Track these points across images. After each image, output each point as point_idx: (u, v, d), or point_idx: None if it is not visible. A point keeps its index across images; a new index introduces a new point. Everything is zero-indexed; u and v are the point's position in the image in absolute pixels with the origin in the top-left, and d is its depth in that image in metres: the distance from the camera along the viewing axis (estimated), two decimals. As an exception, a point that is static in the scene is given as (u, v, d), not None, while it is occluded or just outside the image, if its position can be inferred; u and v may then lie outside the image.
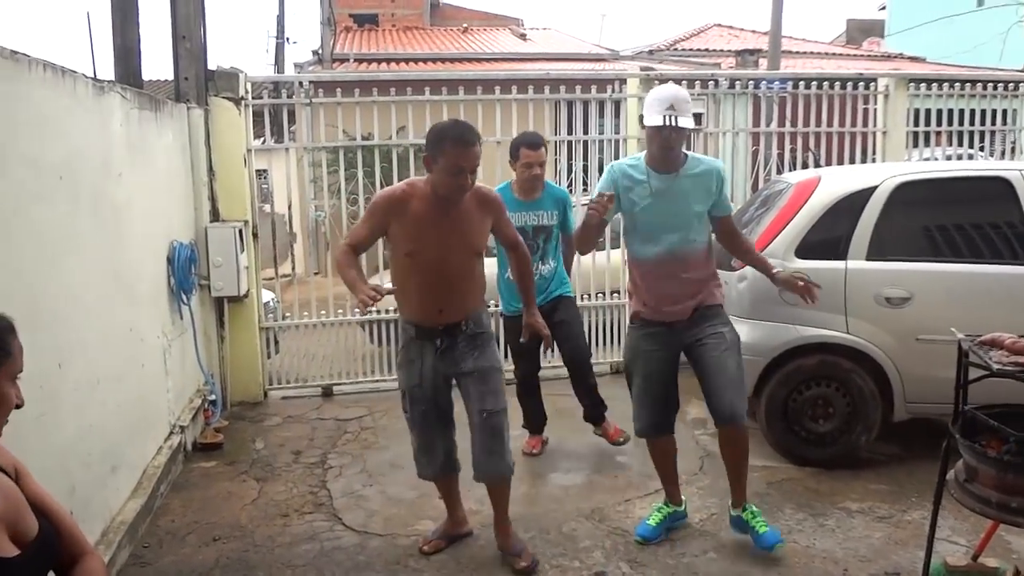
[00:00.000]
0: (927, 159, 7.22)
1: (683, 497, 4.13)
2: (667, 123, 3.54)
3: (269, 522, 4.30)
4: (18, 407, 1.56)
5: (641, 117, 3.68)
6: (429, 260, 3.50)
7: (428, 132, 3.56)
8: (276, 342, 6.85)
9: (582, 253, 4.20)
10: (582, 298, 6.83)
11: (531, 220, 4.83)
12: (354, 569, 3.78)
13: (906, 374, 4.58)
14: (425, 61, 16.69)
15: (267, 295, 7.13)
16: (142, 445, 4.53)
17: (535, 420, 5.28)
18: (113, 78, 5.46)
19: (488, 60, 17.02)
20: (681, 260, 3.74)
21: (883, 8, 27.69)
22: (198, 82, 6.13)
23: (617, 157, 6.87)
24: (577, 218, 4.60)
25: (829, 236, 4.69)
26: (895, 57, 19.58)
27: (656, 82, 6.75)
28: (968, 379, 2.30)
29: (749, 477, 4.51)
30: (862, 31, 28.22)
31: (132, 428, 4.33)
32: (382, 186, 6.66)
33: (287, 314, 7.01)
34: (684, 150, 3.79)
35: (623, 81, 6.89)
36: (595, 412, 5.18)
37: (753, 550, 3.77)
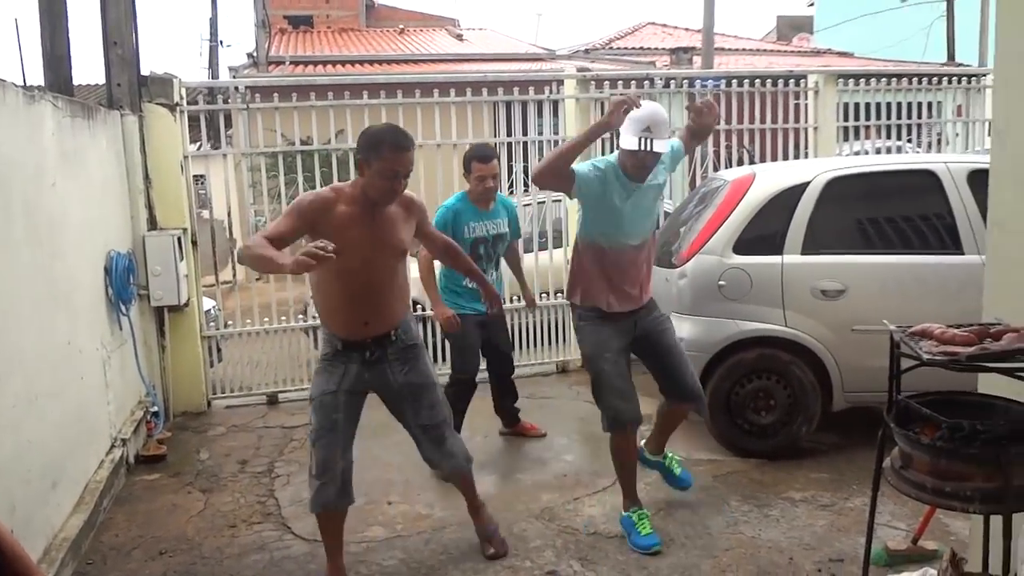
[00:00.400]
0: (857, 153, 7.43)
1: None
2: (642, 147, 3.60)
3: (217, 533, 4.25)
4: None
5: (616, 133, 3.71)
6: (355, 267, 3.35)
7: (361, 136, 3.47)
8: (219, 350, 6.75)
9: (543, 179, 3.83)
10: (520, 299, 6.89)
11: (492, 229, 4.95)
12: (306, 578, 3.75)
13: (843, 364, 4.72)
14: (362, 63, 16.58)
15: (208, 303, 7.01)
16: (83, 459, 4.43)
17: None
18: (43, 85, 5.33)
19: (425, 61, 17.00)
20: (647, 252, 3.99)
21: (811, 4, 28.38)
22: (131, 88, 6.01)
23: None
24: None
25: (765, 232, 4.81)
26: (824, 52, 20.07)
27: (592, 83, 6.84)
28: (900, 369, 2.38)
29: (695, 471, 4.63)
30: (792, 27, 28.88)
31: (72, 442, 4.24)
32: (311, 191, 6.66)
33: (229, 322, 6.92)
34: None
35: (560, 82, 6.95)
36: (515, 412, 5.48)
37: (699, 542, 3.86)
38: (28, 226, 3.84)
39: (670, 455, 4.37)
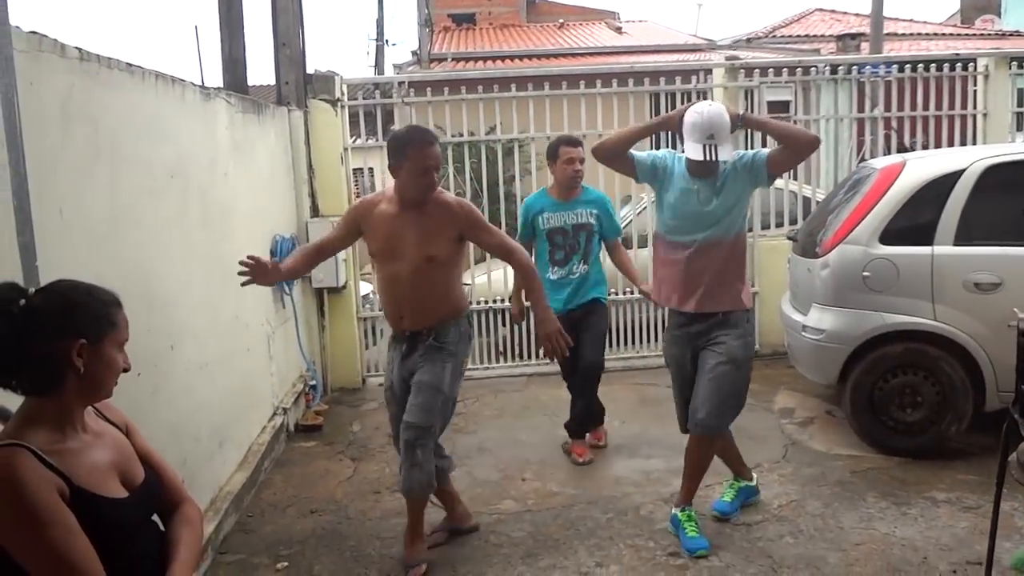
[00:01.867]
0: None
1: (753, 475, 4.24)
2: (707, 157, 3.56)
3: (362, 498, 4.56)
4: (125, 371, 1.79)
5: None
6: (385, 264, 3.66)
7: (389, 142, 3.67)
8: (378, 332, 7.11)
9: (599, 156, 3.86)
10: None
11: (570, 219, 4.87)
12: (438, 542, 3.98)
13: (998, 362, 4.47)
14: (521, 58, 16.87)
15: (366, 287, 7.43)
16: (247, 424, 4.86)
17: (577, 422, 5.03)
18: (222, 86, 5.85)
19: (583, 55, 17.08)
20: (706, 259, 3.76)
21: (1000, -16, 26.34)
22: (298, 86, 6.47)
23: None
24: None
25: (915, 222, 4.62)
26: (1011, 35, 18.64)
27: (742, 72, 6.74)
28: (1029, 359, 2.30)
29: (832, 465, 4.54)
30: (977, 9, 26.91)
31: (238, 408, 4.66)
32: (477, 181, 6.94)
33: (367, 306, 7.32)
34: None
35: (709, 71, 6.89)
36: (578, 423, 5.05)
37: (829, 535, 3.80)
38: (202, 210, 4.26)
39: (688, 510, 3.92)
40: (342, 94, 6.64)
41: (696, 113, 3.61)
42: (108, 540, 1.65)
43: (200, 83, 4.52)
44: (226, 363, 4.48)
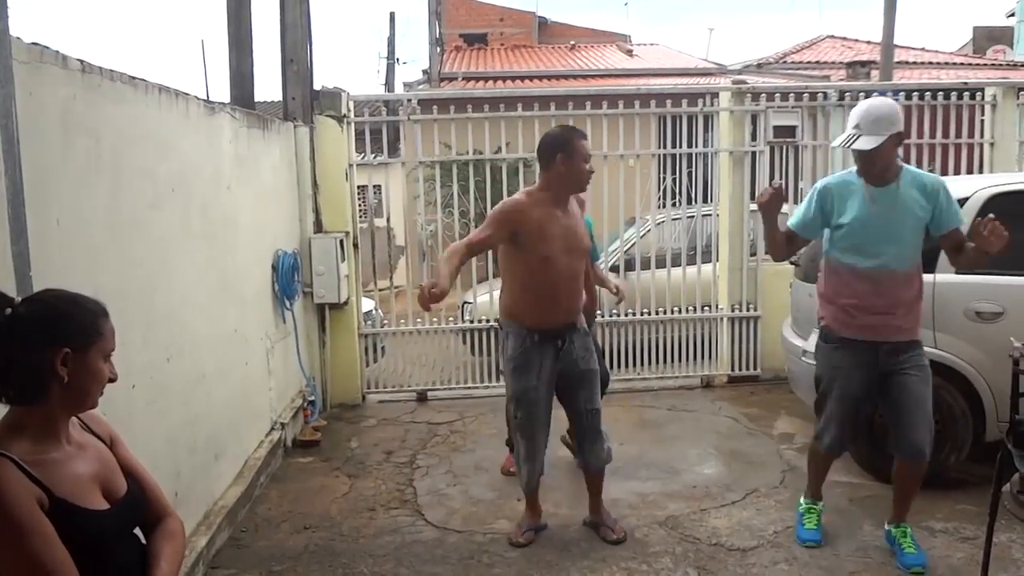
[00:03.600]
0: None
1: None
2: (846, 144, 3.59)
3: (357, 515, 4.55)
4: (111, 381, 1.79)
5: None
6: (559, 262, 3.84)
7: (543, 141, 3.93)
8: (379, 349, 7.10)
9: (776, 258, 4.08)
10: (668, 311, 6.89)
11: None
12: (431, 561, 3.96)
13: (998, 392, 4.43)
14: (531, 78, 16.96)
15: (369, 304, 7.46)
16: (244, 438, 4.86)
17: None
18: (229, 100, 5.90)
19: (593, 76, 17.16)
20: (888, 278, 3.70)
21: (1012, 15, 26.39)
22: (304, 102, 6.51)
23: (709, 171, 6.91)
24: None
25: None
26: (1022, 66, 18.66)
27: (748, 95, 6.76)
28: (1022, 391, 2.28)
29: (831, 492, 4.51)
30: (990, 39, 26.93)
31: (235, 421, 4.66)
32: (480, 200, 6.96)
33: (385, 321, 7.32)
34: (900, 162, 3.74)
35: (715, 95, 6.91)
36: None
37: (823, 563, 3.77)
38: (205, 223, 4.28)
39: (902, 527, 3.88)
40: (348, 111, 6.68)
41: (859, 104, 3.67)
42: (87, 551, 1.65)
43: (205, 97, 4.56)
44: (224, 376, 4.49)
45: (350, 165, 6.71)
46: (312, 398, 6.20)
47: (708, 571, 3.75)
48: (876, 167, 3.62)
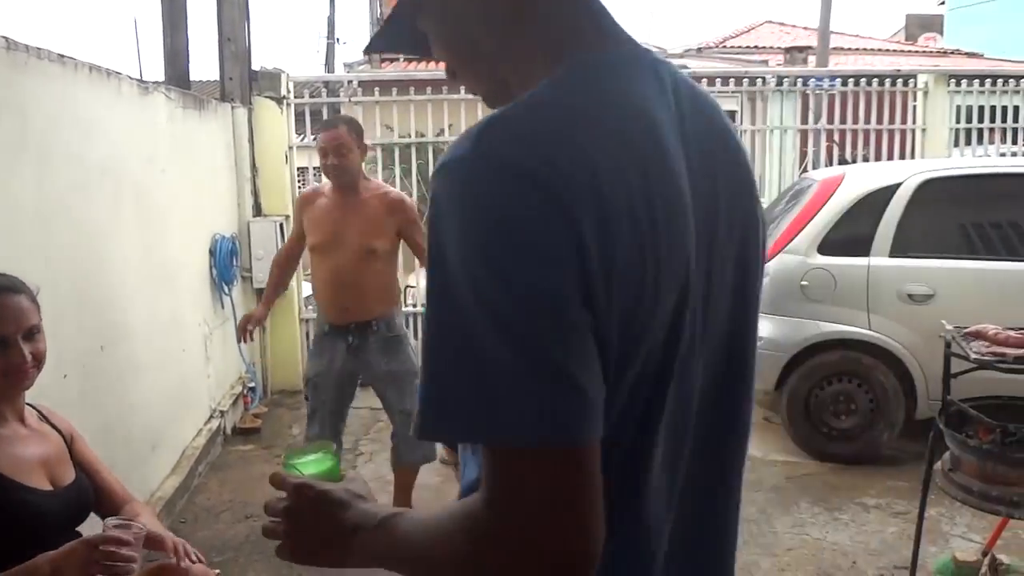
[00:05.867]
0: (981, 157, 7.11)
1: None
2: None
3: (300, 503, 4.48)
4: (36, 361, 1.77)
5: None
6: (329, 257, 3.70)
7: None
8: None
9: None
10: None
11: None
12: (375, 548, 3.93)
13: (929, 371, 4.57)
14: (474, 60, 16.79)
15: (310, 288, 7.32)
16: (182, 427, 4.76)
17: None
18: (163, 79, 5.73)
19: (535, 58, 17.05)
20: None
21: (942, 3, 27.10)
22: (242, 82, 6.36)
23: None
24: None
25: (852, 233, 4.72)
26: (951, 53, 19.16)
27: (689, 80, 6.80)
28: (952, 372, 2.35)
29: (769, 471, 4.61)
30: (921, 26, 27.61)
31: (173, 410, 4.55)
32: (423, 183, 6.89)
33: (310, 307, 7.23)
34: None
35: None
36: None
37: (762, 540, 3.85)
38: (139, 207, 4.15)
39: None
40: (288, 92, 6.55)
41: None
42: (23, 530, 1.63)
43: (139, 76, 4.42)
44: (161, 364, 4.38)
45: (290, 147, 6.59)
46: (252, 384, 6.10)
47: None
48: None
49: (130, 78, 4.14)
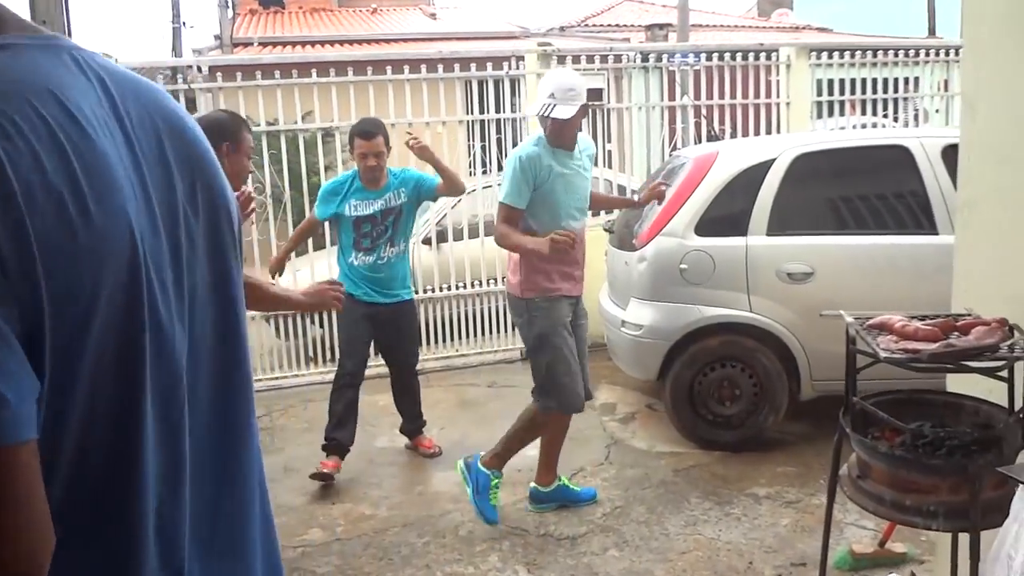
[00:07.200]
0: (839, 129, 7.17)
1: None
2: (542, 112, 3.66)
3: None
4: None
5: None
6: None
7: (209, 122, 3.28)
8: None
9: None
10: (484, 283, 6.65)
11: (378, 206, 4.51)
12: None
13: (811, 351, 4.48)
14: (332, 43, 16.13)
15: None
16: None
17: (346, 434, 4.56)
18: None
19: (396, 40, 16.58)
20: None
21: (791, -20, 28.00)
22: (63, 67, 5.66)
23: (519, 136, 6.65)
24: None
25: (729, 212, 4.56)
26: (803, 28, 19.79)
27: (555, 58, 6.55)
28: (857, 366, 2.13)
29: (656, 464, 4.42)
30: (773, 3, 28.48)
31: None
32: (277, 175, 6.38)
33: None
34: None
35: (522, 58, 6.64)
36: (417, 424, 4.89)
37: (654, 544, 3.62)
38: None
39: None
40: (117, 78, 5.87)
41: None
42: None
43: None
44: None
45: (122, 139, 5.93)
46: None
47: (538, 566, 3.51)
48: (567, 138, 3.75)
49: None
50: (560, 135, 3.69)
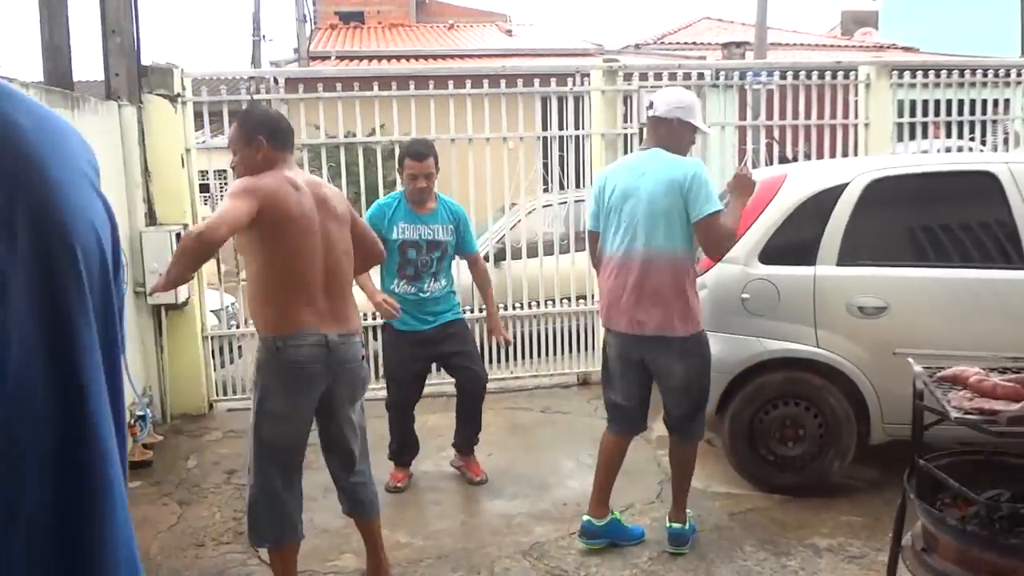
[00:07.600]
0: (922, 152, 6.79)
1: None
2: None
3: (181, 553, 3.94)
4: None
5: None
6: None
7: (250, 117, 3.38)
8: (235, 349, 6.38)
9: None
10: (550, 304, 6.49)
11: (425, 234, 4.43)
12: (255, 616, 3.39)
13: (883, 392, 4.16)
14: (408, 58, 16.27)
15: (228, 299, 6.73)
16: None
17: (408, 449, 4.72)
18: (42, 77, 5.12)
19: (472, 56, 16.62)
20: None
21: (877, -1, 27.25)
22: (130, 78, 5.73)
23: (580, 153, 6.48)
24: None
25: (796, 239, 4.29)
26: (887, 47, 19.16)
27: (620, 75, 6.36)
28: (924, 424, 1.89)
29: (710, 505, 4.18)
30: (856, 22, 27.79)
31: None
32: (353, 184, 6.34)
33: (233, 321, 6.62)
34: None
35: (586, 75, 6.47)
36: (470, 443, 4.75)
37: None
38: None
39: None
40: (183, 88, 5.92)
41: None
42: None
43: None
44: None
45: (187, 150, 5.97)
46: (142, 413, 5.46)
47: (575, 614, 3.32)
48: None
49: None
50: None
